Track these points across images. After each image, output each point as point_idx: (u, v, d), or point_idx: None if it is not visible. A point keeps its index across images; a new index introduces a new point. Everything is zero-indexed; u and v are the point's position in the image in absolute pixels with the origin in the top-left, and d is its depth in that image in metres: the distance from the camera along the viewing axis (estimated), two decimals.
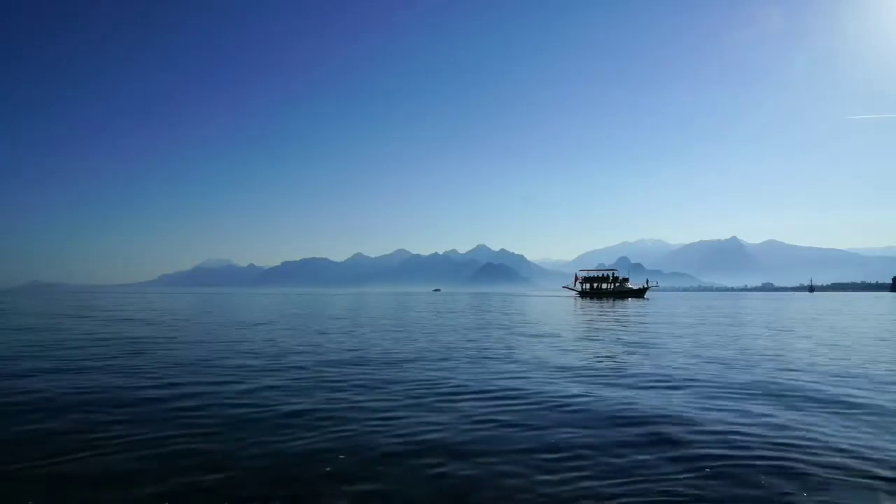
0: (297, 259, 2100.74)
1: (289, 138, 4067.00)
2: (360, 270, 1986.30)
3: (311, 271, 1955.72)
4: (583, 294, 65.23)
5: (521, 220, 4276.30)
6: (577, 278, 67.08)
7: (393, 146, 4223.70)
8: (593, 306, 34.77)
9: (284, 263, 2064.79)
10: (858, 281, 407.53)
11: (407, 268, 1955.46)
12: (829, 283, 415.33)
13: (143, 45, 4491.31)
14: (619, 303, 42.43)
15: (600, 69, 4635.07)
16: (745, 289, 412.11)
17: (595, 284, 65.71)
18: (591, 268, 71.77)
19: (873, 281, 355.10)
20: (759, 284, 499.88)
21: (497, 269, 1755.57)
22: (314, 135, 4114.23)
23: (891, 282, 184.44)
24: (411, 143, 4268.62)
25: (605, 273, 66.44)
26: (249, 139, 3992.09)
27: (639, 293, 63.35)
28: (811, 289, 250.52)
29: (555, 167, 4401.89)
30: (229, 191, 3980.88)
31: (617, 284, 64.42)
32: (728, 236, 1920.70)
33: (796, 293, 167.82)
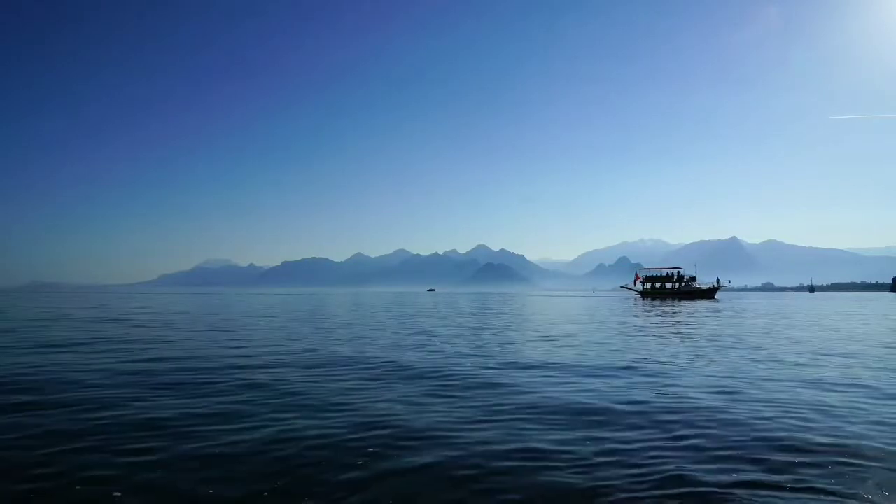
0: (297, 259, 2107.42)
1: (288, 138, 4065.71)
2: (360, 270, 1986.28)
3: (311, 271, 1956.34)
4: (644, 294, 64.20)
5: (521, 220, 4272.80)
6: (637, 277, 66.54)
7: (393, 146, 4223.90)
8: (681, 310, 30.67)
9: (284, 263, 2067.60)
10: (858, 281, 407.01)
11: (407, 268, 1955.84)
12: (829, 283, 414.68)
13: (142, 45, 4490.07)
14: (689, 304, 39.34)
15: (599, 69, 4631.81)
16: (744, 289, 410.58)
17: (658, 284, 64.58)
18: (590, 268, 72.40)
19: (873, 281, 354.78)
20: (759, 284, 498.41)
21: (497, 269, 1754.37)
22: (314, 135, 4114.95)
23: (891, 282, 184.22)
24: (411, 143, 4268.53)
25: (669, 272, 64.71)
26: (249, 139, 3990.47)
27: (709, 293, 60.70)
28: (811, 289, 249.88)
29: (555, 167, 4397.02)
30: (230, 191, 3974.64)
31: (682, 284, 62.42)
32: (728, 236, 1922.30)
33: (797, 293, 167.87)
